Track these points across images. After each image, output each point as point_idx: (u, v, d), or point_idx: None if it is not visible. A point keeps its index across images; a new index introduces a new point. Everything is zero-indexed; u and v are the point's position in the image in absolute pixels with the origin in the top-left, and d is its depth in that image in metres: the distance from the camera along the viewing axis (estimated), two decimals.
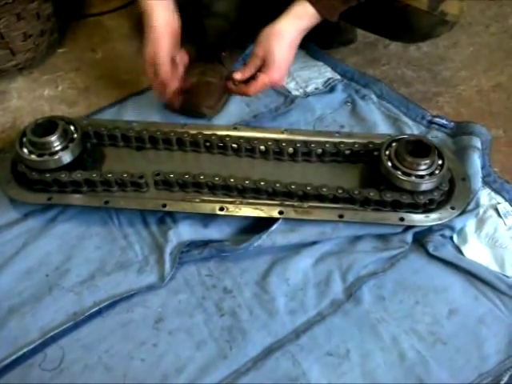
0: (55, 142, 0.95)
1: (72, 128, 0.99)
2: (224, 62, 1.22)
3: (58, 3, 1.35)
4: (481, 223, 0.96)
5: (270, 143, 1.02)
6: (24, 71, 1.33)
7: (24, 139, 0.97)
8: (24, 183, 0.98)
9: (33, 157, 0.95)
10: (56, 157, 0.95)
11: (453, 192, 0.95)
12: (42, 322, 0.84)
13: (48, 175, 0.95)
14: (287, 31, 0.97)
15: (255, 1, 1.14)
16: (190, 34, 1.39)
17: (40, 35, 1.30)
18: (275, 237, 0.92)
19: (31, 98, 1.28)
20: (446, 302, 0.87)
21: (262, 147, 1.02)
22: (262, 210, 0.94)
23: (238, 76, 1.02)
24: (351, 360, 0.81)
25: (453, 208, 0.93)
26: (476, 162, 1.02)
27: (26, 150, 0.96)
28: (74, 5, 1.52)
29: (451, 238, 0.94)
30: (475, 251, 0.93)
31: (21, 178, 0.98)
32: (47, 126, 0.96)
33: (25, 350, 0.81)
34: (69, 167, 0.96)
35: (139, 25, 1.47)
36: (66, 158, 0.95)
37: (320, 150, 1.02)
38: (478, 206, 0.96)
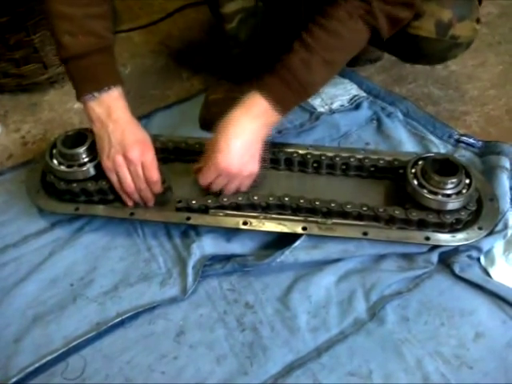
0: (84, 153, 0.97)
1: None
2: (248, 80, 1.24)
3: None
4: (509, 245, 0.94)
5: (294, 155, 1.03)
6: (56, 85, 1.37)
7: (54, 150, 0.99)
8: (53, 193, 1.00)
9: (62, 168, 0.97)
10: (84, 168, 0.97)
11: (480, 212, 0.94)
12: (65, 331, 0.85)
13: (75, 185, 0.96)
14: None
15: (272, 26, 1.16)
16: (213, 57, 1.42)
17: None
18: (298, 253, 0.91)
19: (62, 110, 1.31)
20: (473, 324, 0.85)
21: (286, 158, 1.03)
22: (285, 226, 0.93)
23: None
24: (374, 381, 0.79)
25: (480, 228, 0.91)
26: (504, 182, 1.00)
27: (55, 161, 0.98)
28: None
29: (478, 259, 0.92)
30: (503, 273, 0.90)
31: (50, 189, 1.00)
32: (77, 137, 0.98)
33: (48, 358, 0.81)
34: (96, 178, 0.97)
35: (167, 41, 1.52)
36: (95, 169, 0.97)
37: (344, 166, 1.02)
38: (506, 227, 0.94)
